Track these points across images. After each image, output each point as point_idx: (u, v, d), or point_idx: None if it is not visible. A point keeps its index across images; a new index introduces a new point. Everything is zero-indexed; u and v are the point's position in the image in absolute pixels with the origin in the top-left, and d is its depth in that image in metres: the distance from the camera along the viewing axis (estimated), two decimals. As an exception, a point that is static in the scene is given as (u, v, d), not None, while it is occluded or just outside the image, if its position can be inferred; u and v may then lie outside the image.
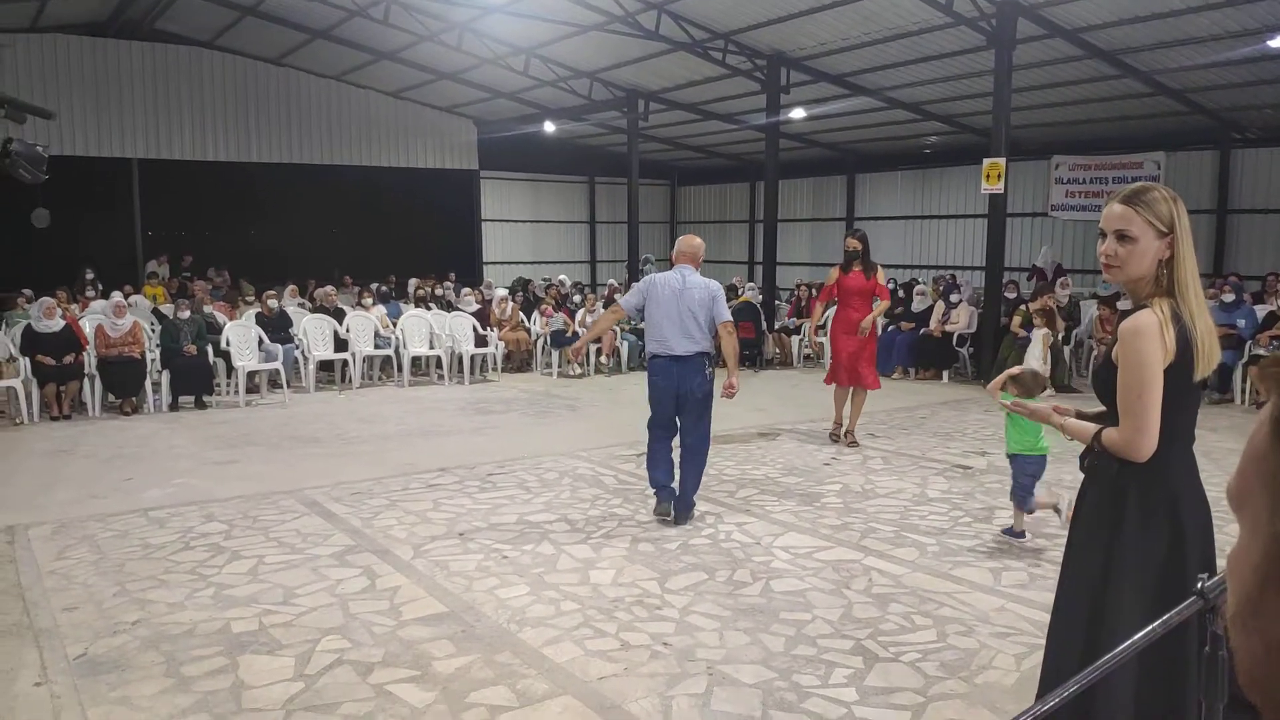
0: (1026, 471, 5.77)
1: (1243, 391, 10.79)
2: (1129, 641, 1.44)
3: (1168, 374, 2.52)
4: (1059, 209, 18.03)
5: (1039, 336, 11.13)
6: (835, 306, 9.20)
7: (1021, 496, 5.82)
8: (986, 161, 12.16)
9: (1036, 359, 10.88)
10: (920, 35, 13.25)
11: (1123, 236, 2.54)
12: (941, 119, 17.48)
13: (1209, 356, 2.54)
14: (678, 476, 6.42)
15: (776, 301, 16.49)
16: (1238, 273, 14.69)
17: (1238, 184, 16.02)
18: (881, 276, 9.00)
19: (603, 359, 13.98)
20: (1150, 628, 1.43)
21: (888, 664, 4.19)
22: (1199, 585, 1.36)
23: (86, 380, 10.46)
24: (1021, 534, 5.89)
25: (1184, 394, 2.57)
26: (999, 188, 12.08)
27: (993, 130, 12.34)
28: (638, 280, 17.52)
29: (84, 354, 10.47)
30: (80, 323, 11.13)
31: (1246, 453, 0.63)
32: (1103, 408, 2.74)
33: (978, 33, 12.12)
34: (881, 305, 9.02)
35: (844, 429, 8.90)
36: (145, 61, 18.09)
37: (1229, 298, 11.63)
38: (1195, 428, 2.70)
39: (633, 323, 14.68)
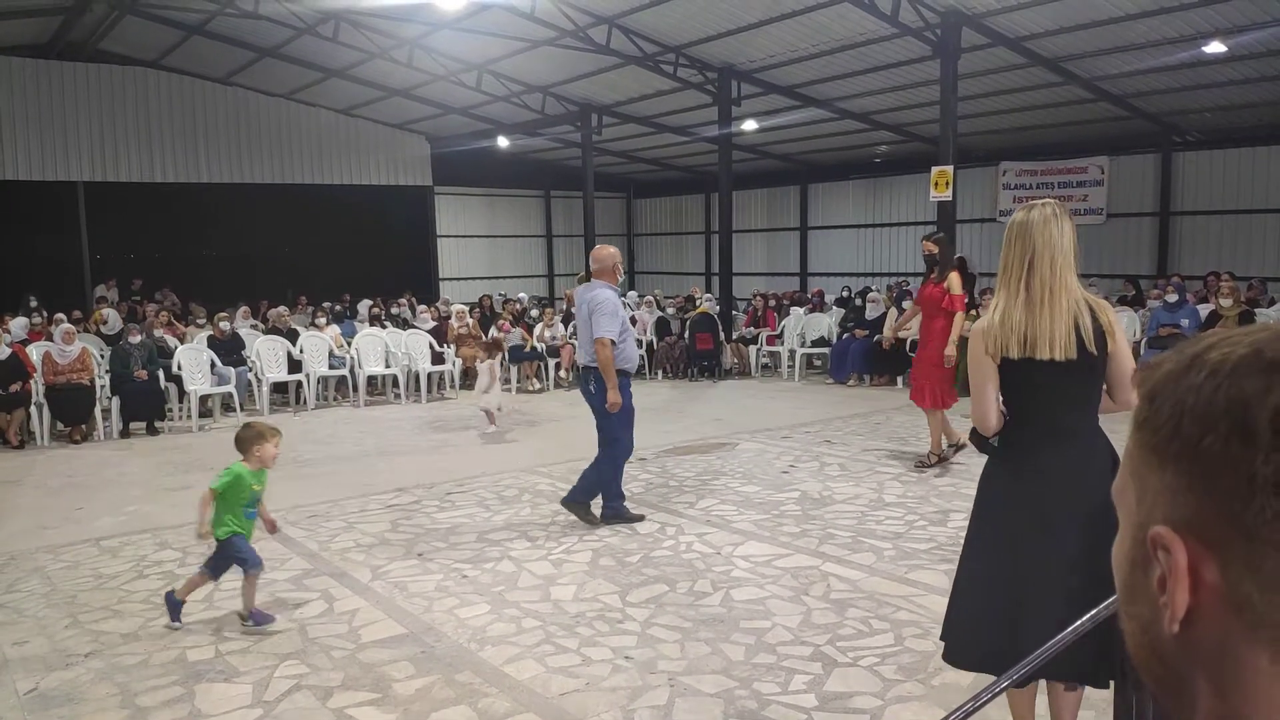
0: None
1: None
2: (1064, 631, 1.48)
3: (1010, 365, 3.02)
4: (1007, 214, 18.31)
5: (485, 368, 10.75)
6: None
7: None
8: (935, 169, 12.35)
9: (483, 388, 10.63)
10: (867, 46, 13.45)
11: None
12: (891, 128, 17.73)
13: (1025, 340, 2.98)
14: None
15: (734, 312, 16.59)
16: (1180, 273, 15.05)
17: (1179, 186, 16.41)
18: (955, 283, 8.03)
19: (562, 374, 13.96)
20: (1077, 624, 1.48)
21: (846, 669, 4.23)
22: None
23: (34, 408, 10.26)
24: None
25: (1031, 381, 3.02)
26: (947, 195, 12.27)
27: (940, 138, 12.55)
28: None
29: (31, 381, 10.27)
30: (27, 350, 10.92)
31: (1123, 454, 0.69)
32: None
33: (923, 43, 12.32)
34: (957, 321, 8.02)
35: (948, 444, 8.13)
36: (90, 83, 17.85)
37: (1173, 298, 11.90)
38: (1066, 409, 3.06)
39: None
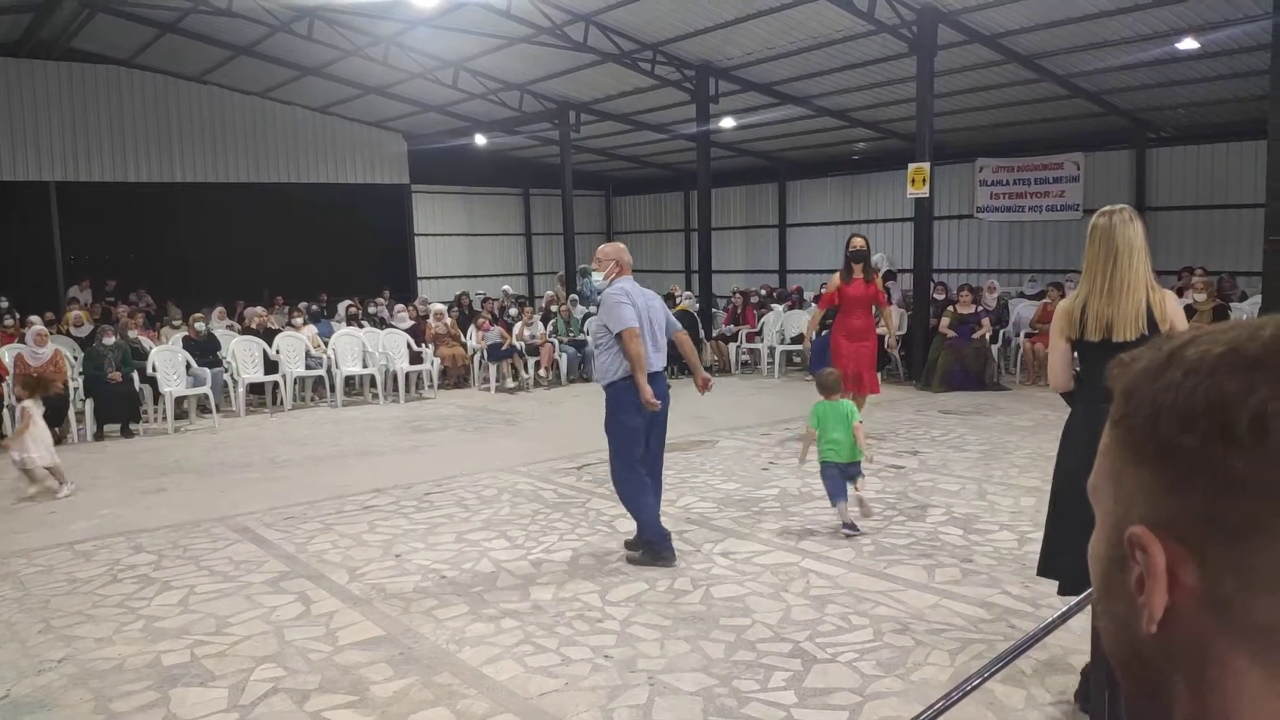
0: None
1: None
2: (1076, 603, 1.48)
3: (1090, 346, 3.63)
4: (984, 211, 18.45)
5: (20, 411, 7.98)
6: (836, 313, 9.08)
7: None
8: (912, 166, 12.39)
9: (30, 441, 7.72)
10: (844, 43, 13.49)
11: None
12: (868, 125, 17.79)
13: (1104, 324, 3.57)
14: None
15: (713, 309, 16.61)
16: (1155, 268, 15.16)
17: (1154, 182, 16.55)
18: (880, 281, 9.09)
19: (541, 372, 13.91)
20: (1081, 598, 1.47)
21: (825, 665, 4.24)
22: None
23: (5, 412, 10.13)
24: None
25: (1086, 352, 3.69)
26: (924, 192, 12.32)
27: (917, 135, 12.58)
28: (574, 291, 17.59)
29: (2, 384, 10.14)
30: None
31: (1099, 450, 0.67)
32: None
33: (899, 40, 12.36)
34: (887, 313, 9.30)
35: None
36: (61, 81, 17.63)
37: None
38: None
39: (572, 334, 14.66)
